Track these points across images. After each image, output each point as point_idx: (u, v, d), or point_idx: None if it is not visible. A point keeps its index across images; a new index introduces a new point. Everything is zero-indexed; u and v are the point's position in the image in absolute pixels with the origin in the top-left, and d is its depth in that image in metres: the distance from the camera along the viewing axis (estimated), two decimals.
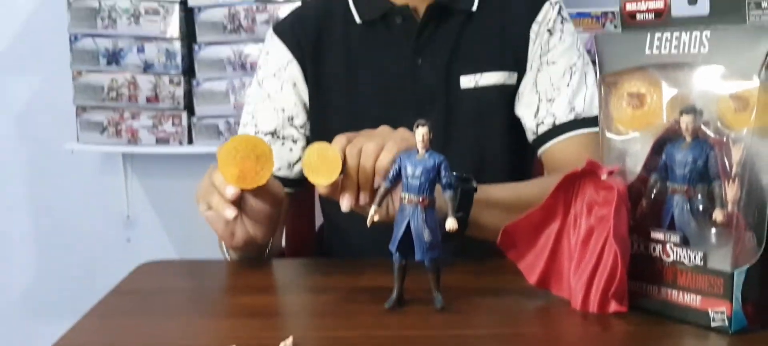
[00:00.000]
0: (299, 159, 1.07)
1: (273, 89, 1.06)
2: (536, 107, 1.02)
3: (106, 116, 1.77)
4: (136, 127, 1.78)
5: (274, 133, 1.05)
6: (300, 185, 1.07)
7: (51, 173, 2.07)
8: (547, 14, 1.04)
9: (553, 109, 1.01)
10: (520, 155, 1.07)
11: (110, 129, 1.78)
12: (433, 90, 1.02)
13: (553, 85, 1.02)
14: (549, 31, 1.03)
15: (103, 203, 2.11)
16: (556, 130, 1.00)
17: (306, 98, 1.06)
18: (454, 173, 0.75)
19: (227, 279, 0.71)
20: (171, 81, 1.74)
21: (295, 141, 1.06)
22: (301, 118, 1.06)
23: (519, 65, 1.03)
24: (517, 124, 1.05)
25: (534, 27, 1.03)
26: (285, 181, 1.04)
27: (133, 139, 1.79)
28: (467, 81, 1.02)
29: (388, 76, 1.03)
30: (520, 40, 1.03)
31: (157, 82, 1.74)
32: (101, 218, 2.13)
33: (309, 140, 1.06)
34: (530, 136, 1.04)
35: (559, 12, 1.05)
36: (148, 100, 1.75)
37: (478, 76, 1.02)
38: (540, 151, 1.02)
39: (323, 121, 1.05)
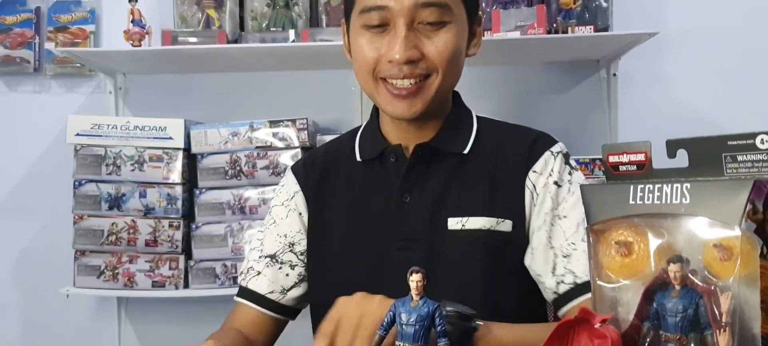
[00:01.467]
0: (293, 286, 1.11)
1: (279, 216, 1.14)
2: (553, 264, 1.00)
3: (104, 260, 1.78)
4: (133, 270, 1.79)
5: (273, 257, 1.11)
6: (289, 313, 1.10)
7: (45, 316, 2.06)
8: (548, 164, 1.04)
9: (571, 267, 0.99)
10: (503, 302, 1.03)
11: (107, 273, 1.79)
12: (419, 229, 1.04)
13: (567, 239, 1.00)
14: (557, 183, 1.03)
15: None
16: (579, 289, 0.98)
17: (308, 226, 1.12)
18: (456, 310, 0.76)
19: None
20: (170, 225, 1.77)
21: (292, 267, 1.11)
22: (302, 245, 1.12)
23: (512, 214, 1.03)
24: (503, 271, 1.03)
25: (531, 176, 1.03)
26: (275, 306, 1.08)
27: (130, 283, 1.79)
28: (454, 223, 1.03)
29: (378, 212, 1.07)
30: (513, 187, 1.04)
31: (157, 226, 1.76)
32: None
33: (306, 267, 1.11)
34: (550, 295, 1.02)
35: (565, 161, 1.05)
36: (147, 243, 1.77)
37: (464, 219, 1.03)
38: (563, 310, 1.00)
39: (320, 249, 1.10)
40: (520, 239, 1.04)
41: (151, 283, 1.79)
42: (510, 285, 1.04)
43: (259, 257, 1.13)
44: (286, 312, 1.12)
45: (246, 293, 1.12)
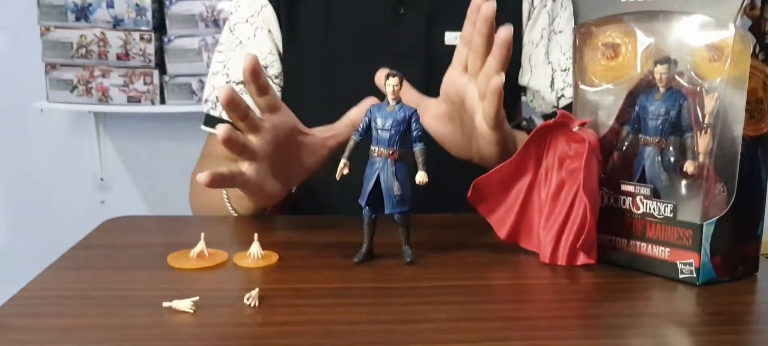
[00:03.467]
0: None
1: (245, 36, 1.01)
2: (551, 79, 0.99)
3: (76, 74, 1.73)
4: (106, 85, 1.75)
5: (245, 83, 1.02)
6: None
7: (21, 133, 2.04)
8: None
9: (569, 79, 0.97)
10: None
11: (80, 87, 1.75)
12: (414, 44, 0.99)
13: (564, 54, 0.99)
14: None
15: (77, 164, 2.08)
16: None
17: (281, 46, 1.01)
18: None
19: (196, 234, 0.70)
20: (142, 37, 1.70)
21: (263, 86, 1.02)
22: (275, 68, 1.01)
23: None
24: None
25: None
26: None
27: (104, 98, 1.76)
28: (452, 37, 0.98)
29: (366, 27, 0.98)
30: (510, 1, 0.99)
31: (128, 39, 1.70)
32: (75, 179, 2.10)
33: (283, 93, 1.02)
34: (549, 109, 1.01)
35: None
36: (119, 57, 1.71)
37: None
38: None
39: (297, 73, 1.01)
40: (514, 52, 1.00)
41: (127, 98, 1.76)
42: (506, 99, 1.02)
43: (227, 82, 1.01)
44: None
45: (221, 122, 1.04)
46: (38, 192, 2.10)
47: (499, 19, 0.99)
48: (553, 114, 0.98)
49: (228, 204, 0.87)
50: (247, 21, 1.01)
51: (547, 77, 1.00)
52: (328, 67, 1.00)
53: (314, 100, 0.99)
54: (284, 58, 1.02)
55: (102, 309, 0.57)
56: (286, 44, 1.01)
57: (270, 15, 1.00)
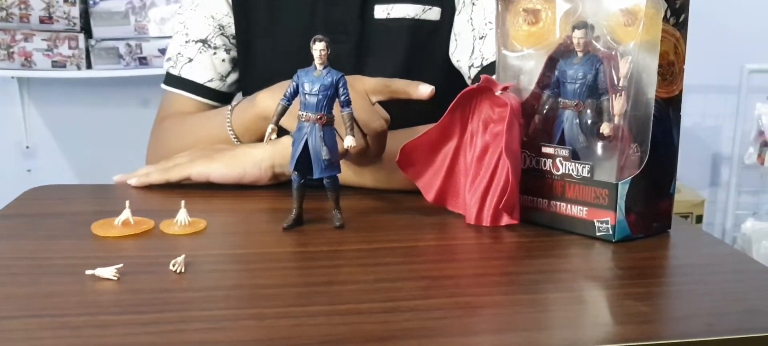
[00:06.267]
0: (230, 71, 1.04)
1: None
2: (472, 48, 0.97)
3: None
4: (29, 49, 1.68)
5: (204, 42, 1.02)
6: (228, 99, 1.05)
7: None
8: None
9: (483, 49, 0.96)
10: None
11: (1, 52, 1.68)
12: (348, 19, 0.99)
13: (485, 19, 0.96)
14: None
15: (1, 133, 2.01)
16: (485, 70, 0.94)
17: (233, 11, 1.03)
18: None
19: (123, 203, 0.69)
20: (65, 0, 1.64)
21: (227, 51, 1.03)
22: (231, 28, 1.03)
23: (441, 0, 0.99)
24: (430, 62, 1.00)
25: None
26: (215, 94, 1.02)
27: (28, 62, 1.69)
28: (381, 11, 0.99)
29: (307, 3, 1.00)
30: None
31: (51, 1, 1.63)
32: None
33: (238, 55, 1.04)
34: (467, 80, 0.99)
35: None
36: (42, 20, 1.65)
37: (390, 6, 0.99)
38: None
39: (247, 43, 1.02)
40: (447, 28, 1.01)
41: (51, 63, 1.69)
42: (435, 77, 1.02)
43: (186, 41, 1.03)
44: (225, 99, 1.05)
45: (180, 82, 1.03)
46: None
47: None
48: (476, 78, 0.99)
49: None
50: None
51: (467, 46, 0.98)
52: (274, 40, 1.01)
53: (263, 68, 1.02)
54: (236, 24, 1.03)
55: (23, 278, 0.56)
56: (237, 10, 1.02)
57: None
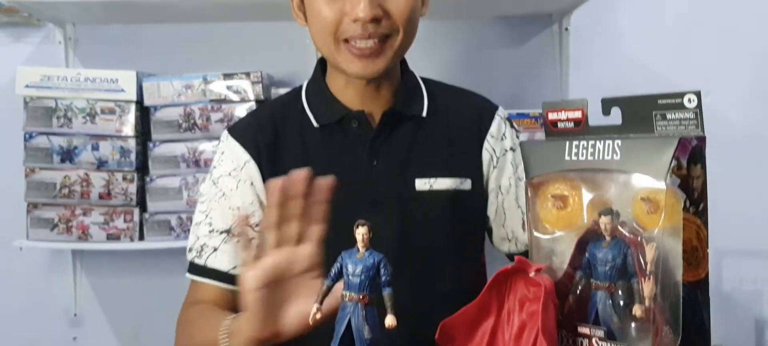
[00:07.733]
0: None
1: (228, 188, 1.07)
2: (523, 221, 1.09)
3: (57, 213, 1.77)
4: (87, 223, 1.78)
5: (229, 232, 1.06)
6: None
7: None
8: (500, 129, 1.11)
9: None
10: (467, 256, 1.12)
11: (60, 226, 1.77)
12: (388, 192, 1.06)
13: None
14: (512, 149, 1.11)
15: (50, 301, 2.07)
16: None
17: (263, 197, 1.07)
18: None
19: None
20: (124, 178, 1.76)
21: (250, 240, 1.07)
22: (257, 216, 1.06)
23: (472, 173, 1.09)
24: (467, 228, 1.09)
25: (489, 140, 1.10)
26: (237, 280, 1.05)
27: (84, 235, 1.78)
28: (422, 184, 1.06)
29: (343, 178, 1.06)
30: (470, 150, 1.09)
31: (111, 179, 1.75)
32: (47, 315, 2.08)
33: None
34: (523, 248, 1.11)
35: (510, 125, 1.12)
36: (101, 196, 1.76)
37: (432, 180, 1.06)
38: None
39: None
40: (478, 195, 1.11)
41: (106, 235, 1.78)
42: (472, 240, 1.12)
43: (210, 232, 1.07)
44: None
45: (206, 271, 1.06)
46: (6, 325, 2.08)
47: (461, 168, 1.10)
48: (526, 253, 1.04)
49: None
50: (229, 174, 1.08)
51: (519, 219, 1.09)
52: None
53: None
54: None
55: None
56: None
57: (253, 169, 1.07)
